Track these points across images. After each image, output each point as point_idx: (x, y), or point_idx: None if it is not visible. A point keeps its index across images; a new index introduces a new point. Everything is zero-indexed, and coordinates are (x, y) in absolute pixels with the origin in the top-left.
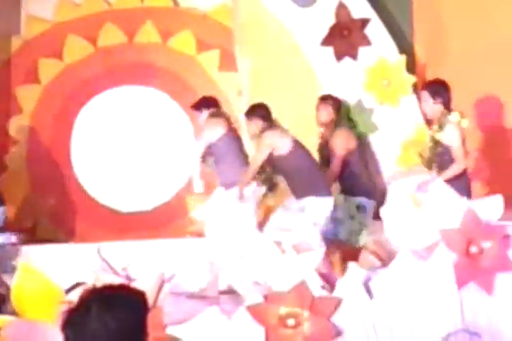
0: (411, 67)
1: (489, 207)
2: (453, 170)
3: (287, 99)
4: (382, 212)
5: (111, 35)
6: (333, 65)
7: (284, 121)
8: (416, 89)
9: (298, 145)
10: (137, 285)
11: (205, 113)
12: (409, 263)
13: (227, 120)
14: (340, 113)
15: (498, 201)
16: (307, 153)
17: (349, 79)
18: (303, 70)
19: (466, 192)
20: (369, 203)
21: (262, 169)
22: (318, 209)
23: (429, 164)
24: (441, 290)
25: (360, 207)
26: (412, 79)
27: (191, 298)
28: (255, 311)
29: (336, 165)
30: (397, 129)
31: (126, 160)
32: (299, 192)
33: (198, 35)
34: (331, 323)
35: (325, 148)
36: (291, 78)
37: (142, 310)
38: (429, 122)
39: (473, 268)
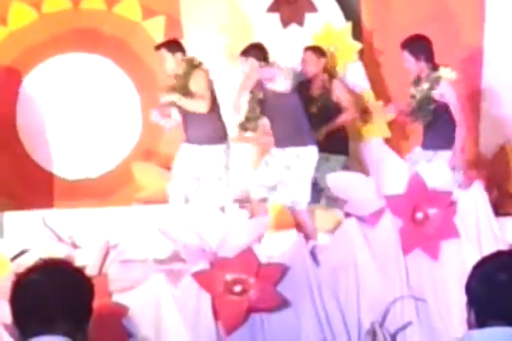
0: (357, 33)
1: (436, 173)
2: (461, 134)
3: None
4: (330, 179)
5: (55, 2)
6: (280, 32)
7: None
8: (362, 55)
9: (294, 88)
10: (82, 252)
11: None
12: (355, 230)
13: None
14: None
15: (444, 167)
16: (299, 100)
17: (295, 46)
18: (249, 36)
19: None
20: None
21: (251, 108)
22: (304, 163)
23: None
24: (387, 257)
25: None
26: (358, 45)
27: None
28: (201, 278)
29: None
30: None
31: (71, 127)
32: (282, 139)
33: (143, 2)
34: (277, 290)
35: (318, 99)
36: (237, 44)
37: (88, 284)
38: (416, 81)
39: (419, 235)
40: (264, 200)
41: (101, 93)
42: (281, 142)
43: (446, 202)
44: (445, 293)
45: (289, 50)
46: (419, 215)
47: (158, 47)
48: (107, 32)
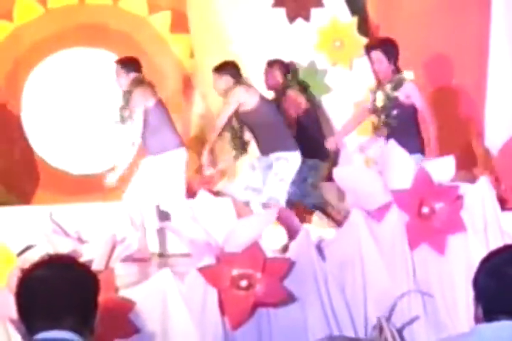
0: (363, 28)
1: (441, 167)
2: (434, 133)
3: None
4: (335, 173)
5: None
6: (286, 27)
7: None
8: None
9: (265, 101)
10: (89, 247)
11: (129, 76)
12: (362, 225)
13: (153, 88)
14: (288, 76)
15: (450, 162)
16: (274, 109)
17: (302, 41)
18: (255, 32)
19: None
20: (322, 165)
21: (229, 124)
22: (285, 164)
23: (383, 126)
24: (394, 251)
25: (312, 169)
26: (364, 40)
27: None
28: (208, 273)
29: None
30: (350, 91)
31: (77, 122)
32: (265, 147)
33: None
34: (283, 285)
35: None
36: (243, 39)
37: (94, 279)
38: (380, 82)
39: (425, 229)
40: (247, 203)
41: (107, 88)
42: (264, 150)
43: (453, 197)
44: (452, 287)
45: (295, 45)
46: (426, 210)
47: (117, 62)
48: (113, 27)
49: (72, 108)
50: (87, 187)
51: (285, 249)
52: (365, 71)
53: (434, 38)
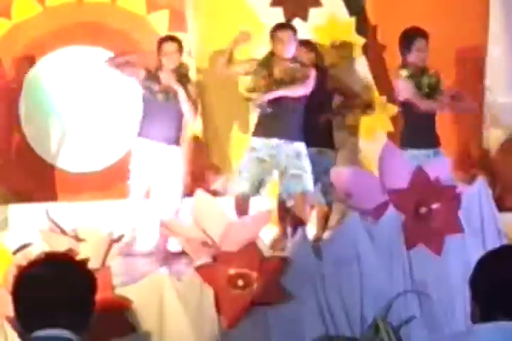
0: (361, 28)
1: (439, 167)
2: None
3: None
4: (332, 173)
5: None
6: None
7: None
8: (366, 50)
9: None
10: (86, 245)
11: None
12: (358, 224)
13: None
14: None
15: (447, 162)
16: None
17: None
18: (253, 30)
19: None
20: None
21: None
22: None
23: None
24: (390, 251)
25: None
26: (362, 40)
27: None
28: (204, 272)
29: None
30: None
31: (74, 120)
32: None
33: None
34: (280, 284)
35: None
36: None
37: (91, 278)
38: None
39: (422, 230)
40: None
41: (104, 86)
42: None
43: (450, 197)
44: (448, 287)
45: None
46: (423, 210)
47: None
48: (111, 25)
49: (69, 106)
50: (84, 185)
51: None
52: (363, 70)
53: (432, 38)
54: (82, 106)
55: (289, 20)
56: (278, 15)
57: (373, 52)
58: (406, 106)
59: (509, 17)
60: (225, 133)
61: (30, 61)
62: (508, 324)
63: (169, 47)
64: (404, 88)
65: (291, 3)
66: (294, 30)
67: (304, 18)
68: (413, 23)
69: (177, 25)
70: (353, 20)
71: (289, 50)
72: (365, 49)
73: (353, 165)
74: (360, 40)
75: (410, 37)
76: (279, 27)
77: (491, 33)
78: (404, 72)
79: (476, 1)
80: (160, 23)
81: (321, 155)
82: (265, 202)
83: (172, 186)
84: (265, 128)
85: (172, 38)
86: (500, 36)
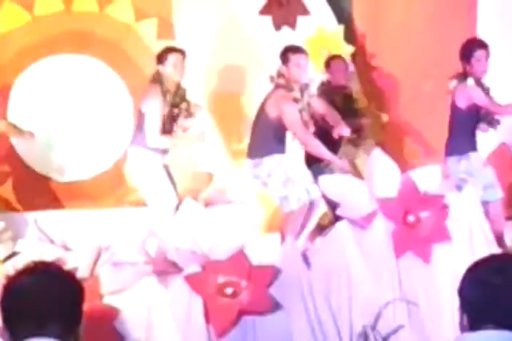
0: (350, 36)
1: (427, 176)
2: None
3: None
4: (321, 182)
5: (48, 4)
6: (272, 35)
7: None
8: (354, 58)
9: None
10: (74, 254)
11: None
12: (347, 233)
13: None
14: None
15: (436, 171)
16: None
17: None
18: (241, 39)
19: None
20: None
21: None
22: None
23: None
24: (379, 260)
25: None
26: (350, 49)
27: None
28: (193, 280)
29: None
30: None
31: (63, 129)
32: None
33: (135, 4)
34: (269, 293)
35: None
36: (229, 47)
37: (79, 287)
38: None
39: (411, 238)
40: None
41: (93, 95)
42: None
43: (438, 205)
44: (437, 296)
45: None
46: (411, 218)
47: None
48: (99, 34)
49: (58, 115)
50: (73, 193)
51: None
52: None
53: (420, 46)
54: (71, 114)
55: (277, 28)
56: (266, 23)
57: (362, 60)
58: (468, 113)
59: (497, 23)
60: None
61: (18, 70)
62: (497, 333)
63: (177, 58)
64: (477, 95)
65: (279, 12)
66: (307, 53)
67: (293, 26)
68: (401, 29)
69: (165, 33)
70: (341, 28)
71: (305, 75)
72: (354, 57)
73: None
74: (349, 49)
75: (470, 48)
76: (294, 49)
77: (479, 36)
78: (470, 81)
79: (462, 7)
80: (148, 31)
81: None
82: (254, 210)
83: (163, 194)
84: None
85: (178, 50)
86: (489, 39)
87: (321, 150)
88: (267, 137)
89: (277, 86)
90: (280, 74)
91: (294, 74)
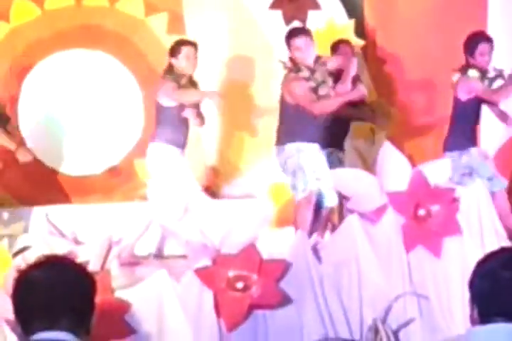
0: (360, 31)
1: (437, 170)
2: None
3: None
4: (332, 175)
5: None
6: (283, 29)
7: None
8: (365, 52)
9: None
10: (85, 248)
11: None
12: (358, 227)
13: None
14: None
15: (446, 164)
16: None
17: None
18: (252, 34)
19: None
20: None
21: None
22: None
23: None
24: (389, 253)
25: None
26: (361, 42)
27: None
28: (204, 274)
29: None
30: None
31: (73, 123)
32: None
33: None
34: (279, 287)
35: None
36: (239, 42)
37: (90, 281)
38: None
39: (421, 232)
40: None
41: (104, 89)
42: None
43: (449, 199)
44: (447, 289)
45: None
46: (422, 212)
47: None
48: (110, 28)
49: (69, 109)
50: (84, 188)
51: None
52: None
53: (431, 40)
54: (81, 109)
55: (288, 22)
56: (277, 18)
57: (372, 54)
58: (468, 105)
59: (508, 16)
60: (226, 135)
61: (29, 65)
62: (508, 326)
63: (190, 51)
64: (476, 86)
65: (290, 6)
66: (308, 34)
67: (303, 20)
68: (411, 25)
69: (175, 27)
70: (351, 22)
71: (310, 55)
72: (365, 51)
73: (354, 167)
74: (359, 43)
75: (474, 41)
76: (294, 33)
77: (489, 30)
78: (472, 73)
79: (474, 4)
80: (158, 25)
81: (331, 156)
82: (265, 203)
83: (174, 189)
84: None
85: (191, 43)
86: (499, 37)
87: (337, 101)
88: (290, 123)
89: (288, 71)
90: (289, 59)
91: (298, 57)
